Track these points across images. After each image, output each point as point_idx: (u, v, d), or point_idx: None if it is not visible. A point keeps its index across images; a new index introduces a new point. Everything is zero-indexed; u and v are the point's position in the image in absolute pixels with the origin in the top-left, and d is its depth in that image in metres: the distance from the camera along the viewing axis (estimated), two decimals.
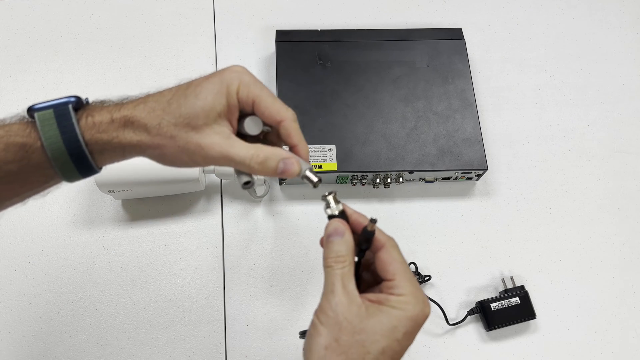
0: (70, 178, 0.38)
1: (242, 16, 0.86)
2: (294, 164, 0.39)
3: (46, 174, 0.38)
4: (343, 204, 0.41)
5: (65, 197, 0.72)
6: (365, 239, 0.40)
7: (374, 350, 0.35)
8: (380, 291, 0.39)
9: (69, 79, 0.79)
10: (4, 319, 0.65)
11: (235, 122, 0.41)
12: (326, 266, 0.38)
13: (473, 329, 0.67)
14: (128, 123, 0.37)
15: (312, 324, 0.37)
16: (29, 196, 0.40)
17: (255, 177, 0.53)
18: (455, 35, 0.80)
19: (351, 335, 0.35)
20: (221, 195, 0.73)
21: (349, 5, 0.88)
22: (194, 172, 0.65)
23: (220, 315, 0.67)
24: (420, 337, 0.65)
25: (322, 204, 0.41)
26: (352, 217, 0.41)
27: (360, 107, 0.73)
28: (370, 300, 0.37)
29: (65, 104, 0.37)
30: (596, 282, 0.71)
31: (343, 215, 0.40)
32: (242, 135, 0.41)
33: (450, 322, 0.66)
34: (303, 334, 0.50)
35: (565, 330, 0.68)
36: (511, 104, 0.81)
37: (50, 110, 0.36)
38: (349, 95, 0.74)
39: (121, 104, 0.39)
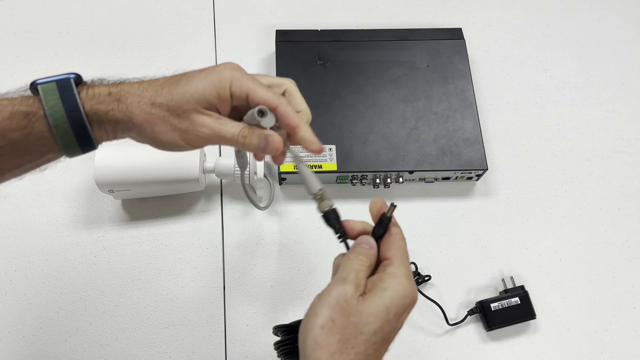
0: (70, 150, 0.40)
1: (242, 16, 0.86)
2: (275, 141, 0.42)
3: (47, 144, 0.39)
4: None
5: (65, 197, 0.72)
6: (381, 224, 0.43)
7: (366, 332, 0.37)
8: (376, 272, 0.41)
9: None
10: (4, 319, 0.65)
11: (226, 115, 0.43)
12: (347, 258, 0.40)
13: (473, 329, 0.67)
14: (123, 98, 0.40)
15: (312, 305, 0.39)
16: (28, 169, 0.41)
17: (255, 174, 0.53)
18: (455, 35, 0.80)
19: (347, 317, 0.37)
20: (221, 196, 0.73)
21: (349, 5, 0.88)
22: (194, 172, 0.65)
23: (220, 315, 0.66)
24: (420, 337, 0.66)
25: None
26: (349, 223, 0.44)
27: (360, 107, 0.73)
28: (366, 289, 0.39)
29: (67, 78, 0.39)
30: (596, 282, 0.71)
31: (334, 212, 0.44)
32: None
33: (450, 322, 0.66)
34: (277, 329, 0.52)
35: (565, 330, 0.68)
36: (511, 104, 0.81)
37: (53, 83, 0.38)
38: (349, 95, 0.74)
39: (119, 82, 0.41)
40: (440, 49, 0.78)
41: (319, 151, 0.43)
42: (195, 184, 0.67)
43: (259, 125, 0.42)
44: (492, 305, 0.66)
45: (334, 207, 0.44)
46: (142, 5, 0.86)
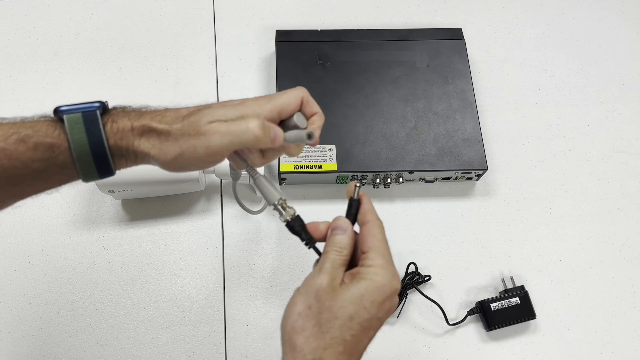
0: (89, 178, 0.40)
1: (242, 16, 0.86)
2: (279, 131, 0.42)
3: (67, 174, 0.40)
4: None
5: (65, 197, 0.72)
6: (351, 207, 0.44)
7: (341, 316, 0.38)
8: (355, 265, 0.42)
9: (69, 79, 0.79)
10: (4, 319, 0.65)
11: None
12: (324, 252, 0.42)
13: (473, 329, 0.67)
14: (145, 132, 0.40)
15: (292, 296, 0.40)
16: (44, 192, 0.42)
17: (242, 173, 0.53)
18: (455, 35, 0.80)
19: (322, 302, 0.38)
20: (221, 195, 0.73)
21: (349, 5, 0.88)
22: (194, 172, 0.65)
23: (220, 315, 0.67)
24: (420, 337, 0.66)
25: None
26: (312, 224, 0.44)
27: (360, 107, 0.73)
28: (344, 282, 0.40)
29: (93, 108, 0.38)
30: (596, 282, 0.71)
31: (298, 219, 0.44)
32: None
33: (450, 322, 0.66)
34: None
35: (565, 330, 0.68)
36: (511, 104, 0.81)
37: (79, 114, 0.38)
38: (349, 95, 0.74)
39: (141, 112, 0.41)
40: (440, 49, 0.78)
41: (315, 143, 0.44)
42: (195, 184, 0.67)
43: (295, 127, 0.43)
44: (492, 305, 0.66)
45: (296, 214, 0.44)
46: (142, 5, 0.86)
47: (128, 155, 0.40)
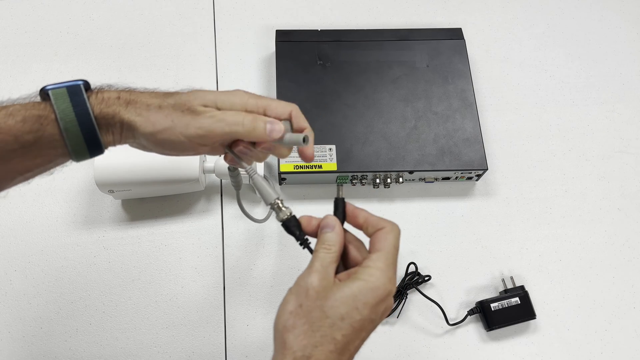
0: (79, 154, 0.41)
1: (242, 16, 0.86)
2: (278, 122, 0.43)
3: (57, 147, 0.40)
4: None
5: (65, 197, 0.72)
6: (337, 207, 0.45)
7: (332, 315, 0.38)
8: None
9: (69, 79, 0.79)
10: (4, 319, 0.65)
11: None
12: (314, 250, 0.42)
13: (473, 329, 0.67)
14: (132, 102, 0.41)
15: (285, 296, 0.41)
16: (37, 173, 0.42)
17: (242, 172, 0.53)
18: (455, 35, 0.80)
19: (313, 301, 0.38)
20: (221, 196, 0.73)
21: (349, 5, 0.88)
22: (194, 172, 0.65)
23: (220, 315, 0.67)
24: (420, 337, 0.66)
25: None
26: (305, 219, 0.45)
27: (360, 107, 0.73)
28: (340, 279, 0.41)
29: (77, 83, 0.40)
30: (596, 282, 0.71)
31: (294, 219, 0.45)
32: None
33: (450, 322, 0.66)
34: None
35: (565, 330, 0.68)
36: (511, 104, 0.81)
37: (64, 88, 0.40)
38: (349, 95, 0.74)
39: (128, 89, 0.43)
40: (440, 49, 0.78)
41: (311, 159, 0.46)
42: (195, 184, 0.67)
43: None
44: (492, 305, 0.66)
45: (292, 214, 0.45)
46: (142, 5, 0.86)
47: (114, 125, 0.41)
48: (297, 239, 0.45)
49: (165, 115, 0.41)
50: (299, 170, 0.69)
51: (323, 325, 0.38)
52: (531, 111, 0.81)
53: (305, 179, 0.72)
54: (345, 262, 0.44)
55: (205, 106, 0.41)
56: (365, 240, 0.44)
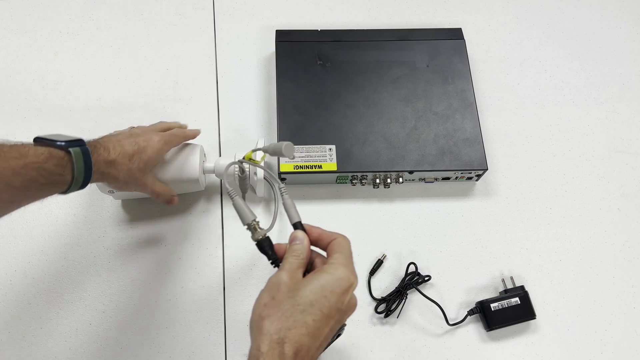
0: (70, 192, 0.51)
1: (242, 16, 0.86)
2: (175, 200, 0.64)
3: (62, 186, 0.49)
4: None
5: (65, 197, 0.71)
6: (296, 228, 0.51)
7: (303, 303, 0.43)
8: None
9: (69, 79, 0.79)
10: (4, 319, 0.65)
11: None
12: (284, 258, 0.48)
13: (473, 329, 0.67)
14: (112, 164, 0.54)
15: (257, 295, 0.45)
16: (35, 201, 0.50)
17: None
18: (455, 35, 0.80)
19: (285, 293, 0.44)
20: (221, 195, 0.73)
21: (349, 5, 0.88)
22: (194, 172, 0.65)
23: (220, 315, 0.67)
24: (420, 337, 0.66)
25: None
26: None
27: (360, 107, 0.73)
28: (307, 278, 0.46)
29: (86, 147, 0.50)
30: (596, 282, 0.71)
31: (267, 240, 0.50)
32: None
33: (450, 322, 0.66)
34: None
35: (565, 330, 0.68)
36: (511, 104, 0.81)
37: (78, 149, 0.49)
38: (349, 95, 0.74)
39: (108, 149, 0.54)
40: (440, 49, 0.78)
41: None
42: (195, 184, 0.67)
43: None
44: (492, 305, 0.66)
45: (267, 235, 0.50)
46: (142, 5, 0.86)
47: (102, 178, 0.55)
48: (269, 259, 0.50)
49: (131, 176, 0.57)
50: (299, 170, 0.70)
51: (295, 311, 0.43)
52: (531, 111, 0.81)
53: (305, 179, 0.72)
54: (310, 270, 0.49)
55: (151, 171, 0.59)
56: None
